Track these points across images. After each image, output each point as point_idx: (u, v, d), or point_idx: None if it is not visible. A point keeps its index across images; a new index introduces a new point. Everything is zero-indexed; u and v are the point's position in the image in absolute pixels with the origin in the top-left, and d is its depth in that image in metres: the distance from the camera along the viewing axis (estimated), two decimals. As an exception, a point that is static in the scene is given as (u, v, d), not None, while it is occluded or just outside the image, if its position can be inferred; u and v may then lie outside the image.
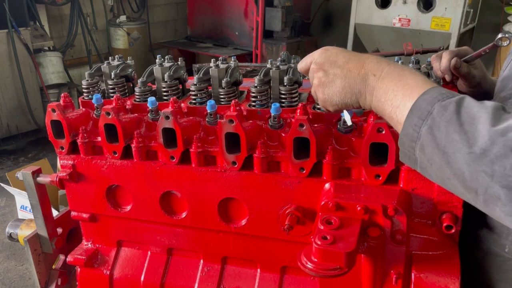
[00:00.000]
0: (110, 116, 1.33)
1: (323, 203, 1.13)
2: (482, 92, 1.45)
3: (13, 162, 5.62)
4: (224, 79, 1.38)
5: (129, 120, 1.38)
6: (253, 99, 1.35)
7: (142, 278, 1.52)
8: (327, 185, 1.22)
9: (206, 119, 1.34)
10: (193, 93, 1.41)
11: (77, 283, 1.62)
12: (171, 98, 1.33)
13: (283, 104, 1.34)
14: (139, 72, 1.41)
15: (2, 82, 5.56)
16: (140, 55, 7.43)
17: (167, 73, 1.46)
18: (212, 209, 1.37)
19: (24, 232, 2.32)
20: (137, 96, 1.47)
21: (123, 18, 7.40)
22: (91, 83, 1.53)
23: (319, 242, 1.01)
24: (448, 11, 5.53)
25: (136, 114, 1.42)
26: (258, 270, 1.44)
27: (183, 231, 1.47)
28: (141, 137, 1.36)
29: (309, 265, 1.01)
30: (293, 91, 1.34)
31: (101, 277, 1.57)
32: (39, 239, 1.59)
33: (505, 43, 1.18)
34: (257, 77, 1.34)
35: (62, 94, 1.48)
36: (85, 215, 1.55)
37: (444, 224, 1.13)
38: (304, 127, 1.16)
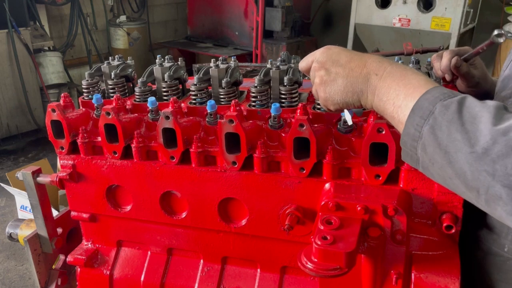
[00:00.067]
0: (110, 116, 1.33)
1: (323, 203, 1.13)
2: (482, 92, 1.45)
3: (13, 162, 5.62)
4: (224, 79, 1.38)
5: (129, 120, 1.38)
6: (253, 99, 1.35)
7: (142, 278, 1.52)
8: (327, 185, 1.22)
9: (206, 119, 1.34)
10: (193, 93, 1.41)
11: (77, 283, 1.62)
12: (171, 98, 1.33)
13: (283, 104, 1.34)
14: (139, 72, 1.40)
15: (2, 82, 5.57)
16: (140, 55, 7.43)
17: (167, 73, 1.46)
18: (212, 209, 1.37)
19: (24, 232, 2.32)
20: (137, 96, 1.47)
21: (123, 18, 7.41)
22: (91, 83, 1.53)
23: (319, 242, 1.01)
24: (448, 11, 5.53)
25: (136, 114, 1.42)
26: (258, 270, 1.44)
27: (183, 231, 1.47)
28: (141, 137, 1.36)
29: (309, 265, 1.01)
30: (293, 91, 1.34)
31: (101, 277, 1.56)
32: (39, 239, 1.59)
33: (501, 40, 1.18)
34: (257, 77, 1.34)
35: (62, 94, 1.48)
36: (85, 215, 1.55)
37: (444, 224, 1.13)
38: (304, 127, 1.16)
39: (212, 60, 1.45)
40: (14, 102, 5.74)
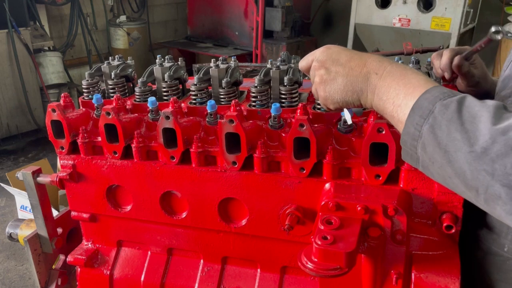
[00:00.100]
0: (110, 116, 1.33)
1: (323, 203, 1.13)
2: (482, 92, 1.45)
3: (13, 162, 5.62)
4: (224, 79, 1.38)
5: (129, 120, 1.38)
6: (253, 99, 1.35)
7: (142, 278, 1.52)
8: (327, 185, 1.22)
9: (206, 119, 1.34)
10: (193, 93, 1.41)
11: (77, 283, 1.62)
12: (171, 98, 1.33)
13: (283, 104, 1.34)
14: (139, 72, 1.41)
15: (2, 82, 5.57)
16: (140, 55, 7.43)
17: (167, 73, 1.46)
18: (212, 209, 1.37)
19: (24, 232, 2.32)
20: (137, 96, 1.47)
21: (123, 18, 7.40)
22: (91, 83, 1.53)
23: (319, 242, 1.01)
24: (448, 11, 5.53)
25: (136, 114, 1.42)
26: (258, 270, 1.44)
27: (183, 231, 1.47)
28: (141, 137, 1.36)
29: (310, 265, 1.01)
30: (293, 91, 1.34)
31: (101, 277, 1.57)
32: (39, 239, 1.59)
33: (499, 36, 1.18)
34: (257, 77, 1.34)
35: (62, 94, 1.48)
36: (85, 215, 1.55)
37: (444, 224, 1.13)
38: (304, 127, 1.16)
39: (212, 60, 1.45)
40: (14, 102, 5.74)
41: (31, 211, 1.56)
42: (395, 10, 5.87)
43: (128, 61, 1.61)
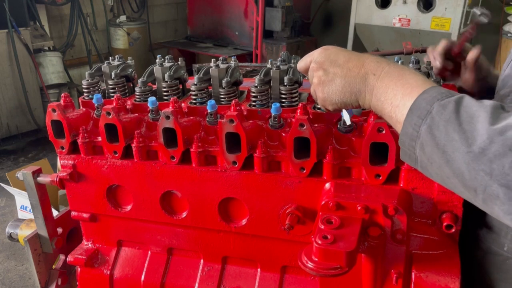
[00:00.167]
0: (110, 116, 1.33)
1: (323, 202, 1.13)
2: (488, 86, 1.43)
3: (13, 162, 5.62)
4: (225, 79, 1.38)
5: (129, 120, 1.38)
6: (253, 99, 1.35)
7: (142, 278, 1.52)
8: (327, 185, 1.22)
9: (207, 119, 1.34)
10: (193, 93, 1.41)
11: (77, 283, 1.62)
12: (172, 98, 1.33)
13: (283, 104, 1.34)
14: (139, 72, 1.41)
15: (2, 82, 5.57)
16: (140, 55, 7.43)
17: (167, 73, 1.46)
18: (213, 208, 1.37)
19: (24, 232, 2.32)
20: (138, 96, 1.47)
21: (123, 18, 7.41)
22: (91, 83, 1.53)
23: (319, 242, 1.01)
24: (448, 11, 5.53)
25: (137, 114, 1.42)
26: (259, 269, 1.44)
27: (183, 231, 1.47)
28: (142, 137, 1.36)
29: (310, 264, 1.01)
30: (293, 91, 1.34)
31: (101, 277, 1.57)
32: (39, 239, 1.59)
33: (485, 19, 1.17)
34: (257, 77, 1.34)
35: (62, 94, 1.48)
36: (85, 215, 1.55)
37: (444, 224, 1.13)
38: (305, 127, 1.16)
39: (212, 60, 1.45)
40: (14, 102, 5.74)
41: (31, 211, 1.56)
42: (395, 10, 5.87)
43: (128, 61, 1.61)
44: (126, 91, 1.55)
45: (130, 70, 1.58)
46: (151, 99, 1.37)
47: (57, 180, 1.47)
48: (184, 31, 8.38)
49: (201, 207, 1.39)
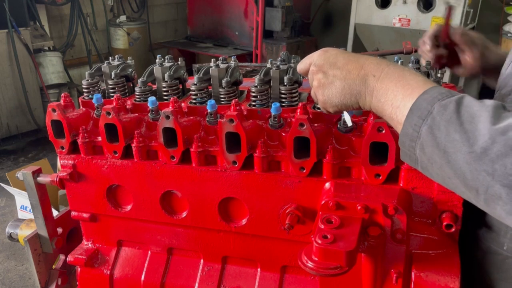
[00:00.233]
0: (110, 116, 1.33)
1: (323, 202, 1.13)
2: (489, 66, 1.40)
3: (13, 162, 5.62)
4: (224, 79, 1.38)
5: (129, 120, 1.38)
6: (253, 98, 1.35)
7: (142, 278, 1.52)
8: (327, 185, 1.22)
9: (207, 119, 1.34)
10: (193, 92, 1.41)
11: (77, 283, 1.62)
12: (172, 98, 1.33)
13: (283, 104, 1.34)
14: (139, 72, 1.41)
15: (2, 82, 5.57)
16: (140, 55, 7.43)
17: (167, 73, 1.46)
18: (213, 208, 1.37)
19: (24, 232, 2.32)
20: (137, 96, 1.47)
21: (123, 18, 7.40)
22: (91, 83, 1.53)
23: (319, 241, 1.01)
24: (448, 11, 5.52)
25: (137, 114, 1.42)
26: (259, 269, 1.44)
27: (183, 230, 1.47)
28: (142, 136, 1.36)
29: (310, 264, 1.01)
30: (293, 91, 1.34)
31: (101, 277, 1.57)
32: (39, 239, 1.59)
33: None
34: (257, 76, 1.34)
35: (62, 94, 1.48)
36: (85, 215, 1.55)
37: (444, 223, 1.13)
38: (305, 127, 1.17)
39: (212, 60, 1.45)
40: (14, 102, 5.74)
41: (31, 211, 1.56)
42: (395, 10, 5.87)
43: (128, 61, 1.61)
44: (126, 91, 1.55)
45: (130, 70, 1.58)
46: (151, 99, 1.37)
47: (57, 180, 1.47)
48: (184, 31, 8.38)
49: (201, 207, 1.39)
